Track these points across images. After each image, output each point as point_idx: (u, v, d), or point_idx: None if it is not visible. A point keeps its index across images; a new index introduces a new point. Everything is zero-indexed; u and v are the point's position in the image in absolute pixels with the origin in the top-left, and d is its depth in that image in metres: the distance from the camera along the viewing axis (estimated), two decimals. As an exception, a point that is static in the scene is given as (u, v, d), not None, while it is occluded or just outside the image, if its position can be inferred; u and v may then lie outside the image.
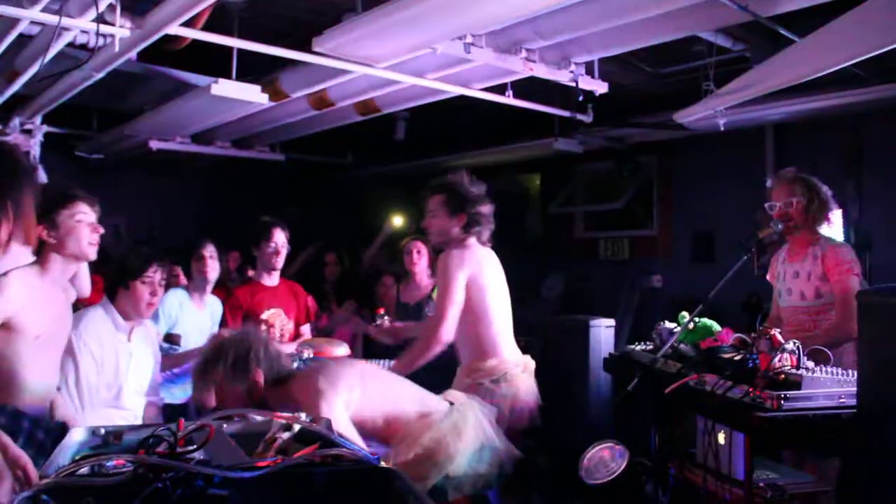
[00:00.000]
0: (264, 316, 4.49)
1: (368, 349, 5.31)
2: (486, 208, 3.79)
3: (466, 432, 3.00)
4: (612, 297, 6.87)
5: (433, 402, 3.10)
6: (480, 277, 3.69)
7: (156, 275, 3.49)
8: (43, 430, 2.70)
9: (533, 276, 7.67)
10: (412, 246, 5.16)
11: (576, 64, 4.47)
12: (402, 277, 5.35)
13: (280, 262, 4.57)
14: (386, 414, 2.94)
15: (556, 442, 4.34)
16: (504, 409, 3.57)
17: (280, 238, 4.51)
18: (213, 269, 4.42)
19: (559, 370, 4.52)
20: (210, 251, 4.40)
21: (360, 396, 2.86)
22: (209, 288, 4.46)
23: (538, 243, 8.60)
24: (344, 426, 2.64)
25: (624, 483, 3.47)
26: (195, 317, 4.36)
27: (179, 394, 4.22)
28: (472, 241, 3.77)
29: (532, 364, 3.82)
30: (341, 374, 2.90)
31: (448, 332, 3.59)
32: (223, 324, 4.45)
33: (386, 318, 4.51)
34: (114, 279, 3.50)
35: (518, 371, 3.71)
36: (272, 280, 4.58)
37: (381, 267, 6.12)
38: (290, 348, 4.30)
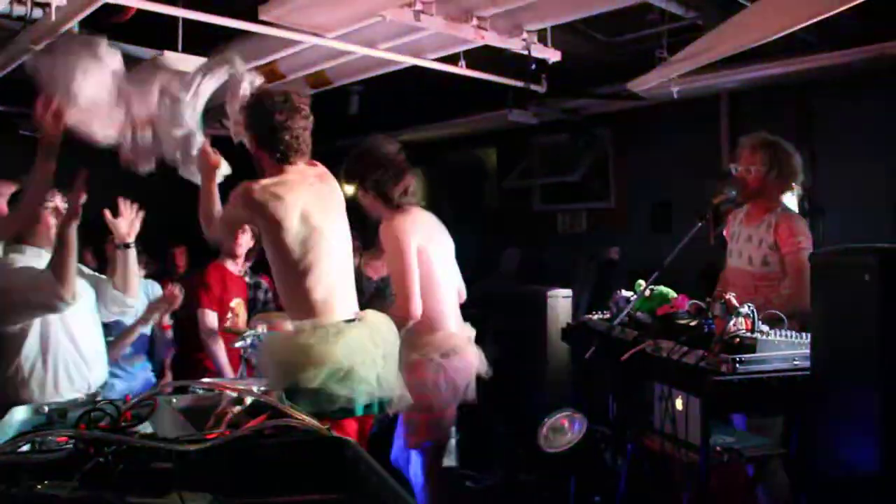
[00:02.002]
0: (232, 304, 4.57)
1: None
2: (397, 167, 3.63)
3: (385, 345, 3.03)
4: (571, 270, 6.88)
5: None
6: (428, 245, 3.55)
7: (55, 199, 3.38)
8: None
9: (490, 250, 7.65)
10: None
11: (528, 32, 4.42)
12: (365, 251, 5.24)
13: (243, 250, 4.57)
14: None
15: (515, 411, 4.36)
16: (458, 383, 3.51)
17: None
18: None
19: (517, 341, 4.53)
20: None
21: None
22: None
23: (495, 217, 8.59)
24: None
25: (583, 451, 3.49)
26: None
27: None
28: (405, 205, 3.61)
29: (473, 333, 3.72)
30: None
31: (418, 305, 3.42)
32: (195, 300, 4.42)
33: None
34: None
35: (465, 343, 3.62)
36: (236, 268, 4.59)
37: None
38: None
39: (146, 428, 1.70)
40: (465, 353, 3.57)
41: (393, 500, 1.45)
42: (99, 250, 4.50)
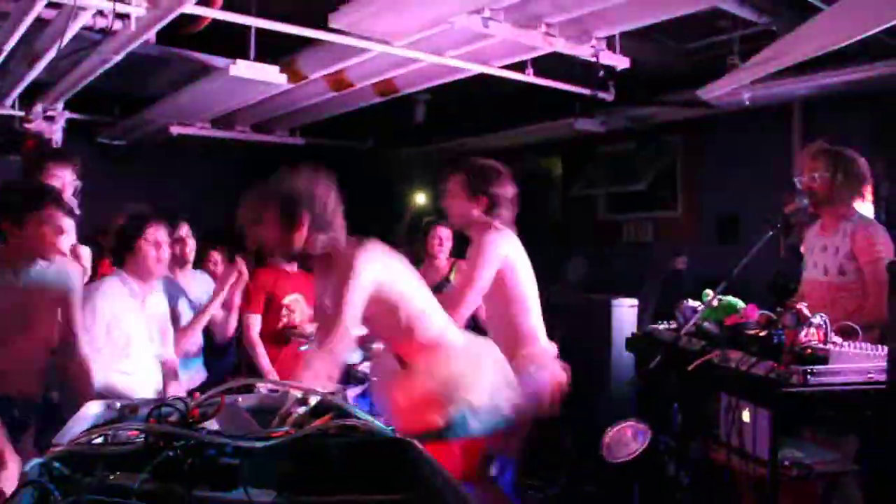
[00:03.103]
0: (286, 301, 4.57)
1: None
2: (508, 190, 3.67)
3: (486, 365, 2.99)
4: (636, 280, 6.80)
5: (456, 331, 3.09)
6: (518, 262, 3.60)
7: (157, 231, 3.53)
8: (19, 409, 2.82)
9: (555, 260, 7.61)
10: (437, 230, 5.12)
11: (597, 38, 4.39)
12: (420, 259, 5.29)
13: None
14: (409, 317, 2.92)
15: (579, 421, 4.32)
16: (543, 398, 3.50)
17: None
18: (191, 249, 4.42)
19: (582, 350, 4.49)
20: (185, 231, 4.38)
21: (390, 278, 2.88)
22: (188, 266, 4.48)
23: (560, 226, 8.53)
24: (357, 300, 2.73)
25: (646, 462, 3.44)
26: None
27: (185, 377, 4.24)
28: (497, 224, 3.64)
29: (556, 349, 3.73)
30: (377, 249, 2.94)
31: (463, 316, 3.50)
32: (246, 300, 4.49)
33: None
34: (117, 246, 3.54)
35: (551, 359, 3.65)
36: (291, 267, 4.61)
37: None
38: (311, 328, 4.33)
39: (213, 425, 1.73)
40: (553, 368, 3.59)
41: (455, 501, 1.45)
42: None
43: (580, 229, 8.43)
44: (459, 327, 3.47)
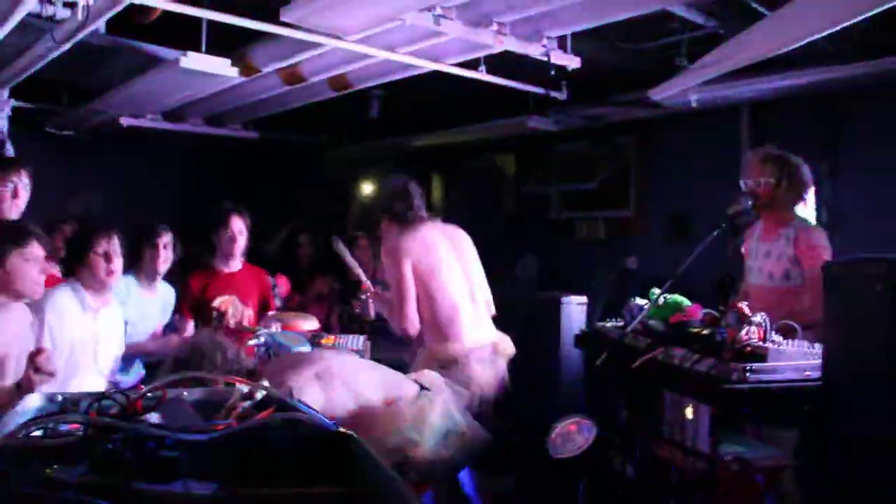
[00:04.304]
0: (215, 304, 4.42)
1: (345, 328, 5.29)
2: (403, 194, 3.82)
3: (432, 418, 2.91)
4: (588, 279, 6.87)
5: (401, 387, 3.00)
6: (425, 259, 3.67)
7: (109, 244, 3.47)
8: None
9: (508, 257, 7.65)
10: None
11: (548, 38, 4.43)
12: (377, 254, 5.28)
13: (238, 249, 4.53)
14: (350, 411, 2.82)
15: (527, 418, 4.35)
16: (469, 396, 3.49)
17: (237, 225, 4.48)
18: (165, 261, 4.34)
19: (532, 347, 4.53)
20: (165, 240, 4.31)
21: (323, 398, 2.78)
22: (159, 276, 4.39)
23: (513, 224, 8.58)
24: None
25: (592, 458, 3.48)
26: (143, 303, 4.29)
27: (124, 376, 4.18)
28: (416, 223, 3.77)
29: (505, 344, 3.81)
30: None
31: (413, 323, 3.64)
32: (177, 310, 4.43)
33: (369, 294, 4.51)
34: (68, 256, 3.48)
35: (482, 355, 3.70)
36: (230, 267, 4.55)
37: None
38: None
39: (155, 418, 1.72)
40: (471, 367, 3.63)
41: (396, 497, 1.46)
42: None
43: (533, 227, 8.48)
44: (416, 332, 3.56)
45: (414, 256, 3.65)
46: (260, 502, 1.47)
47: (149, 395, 1.74)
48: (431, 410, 2.92)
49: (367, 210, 3.91)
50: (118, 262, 3.52)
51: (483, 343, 3.73)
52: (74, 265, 3.48)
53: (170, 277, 4.52)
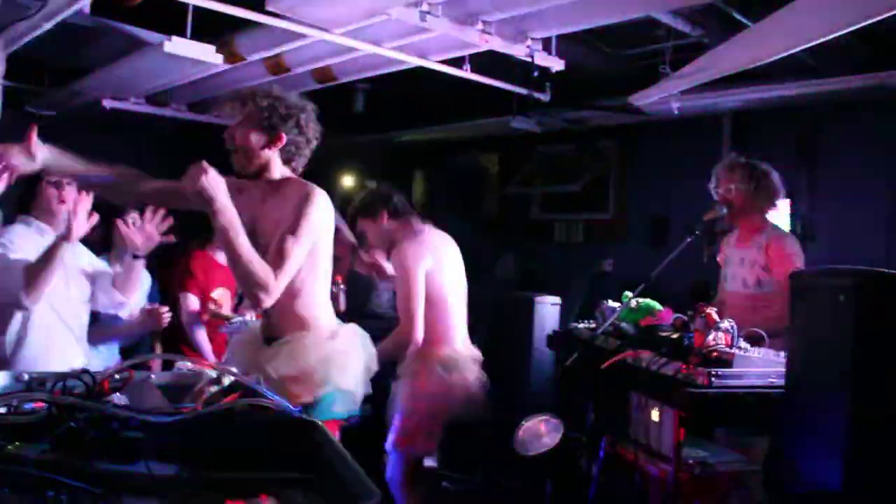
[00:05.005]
0: (214, 295, 4.52)
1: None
2: (399, 196, 3.87)
3: (357, 350, 2.98)
4: (566, 280, 6.91)
5: (332, 314, 3.06)
6: (439, 268, 3.72)
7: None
8: None
9: (487, 256, 7.69)
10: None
11: (533, 39, 4.46)
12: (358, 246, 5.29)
13: None
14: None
15: (499, 415, 4.38)
16: (456, 397, 3.67)
17: None
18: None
19: (505, 346, 4.56)
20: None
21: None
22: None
23: (494, 223, 8.61)
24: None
25: (560, 457, 3.51)
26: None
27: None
28: (418, 226, 3.80)
29: (479, 355, 3.89)
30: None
31: (421, 331, 3.62)
32: (169, 288, 4.42)
33: (342, 287, 4.55)
34: (22, 194, 3.42)
35: (469, 362, 3.78)
36: (223, 258, 4.55)
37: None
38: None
39: (121, 400, 1.73)
40: (465, 371, 3.72)
41: (356, 484, 1.47)
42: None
43: (513, 227, 8.52)
44: (420, 341, 3.59)
45: (427, 261, 3.68)
46: (222, 486, 1.48)
47: (116, 376, 1.75)
48: (356, 344, 3.00)
49: (370, 196, 3.88)
50: (70, 192, 3.41)
51: (470, 351, 3.84)
52: (27, 201, 3.42)
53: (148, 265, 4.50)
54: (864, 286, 2.17)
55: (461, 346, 3.79)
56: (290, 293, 2.77)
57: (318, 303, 2.93)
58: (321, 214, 2.77)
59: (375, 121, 7.84)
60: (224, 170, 2.77)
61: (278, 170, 2.88)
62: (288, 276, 2.67)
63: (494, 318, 4.86)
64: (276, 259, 2.64)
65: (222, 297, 4.54)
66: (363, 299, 5.11)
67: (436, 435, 3.74)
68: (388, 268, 4.56)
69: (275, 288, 2.63)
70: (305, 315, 2.87)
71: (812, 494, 2.31)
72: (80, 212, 3.17)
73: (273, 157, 2.86)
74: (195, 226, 4.73)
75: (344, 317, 4.79)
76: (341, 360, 2.85)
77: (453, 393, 3.67)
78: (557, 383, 4.40)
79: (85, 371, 1.68)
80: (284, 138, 2.84)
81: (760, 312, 3.58)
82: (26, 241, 3.31)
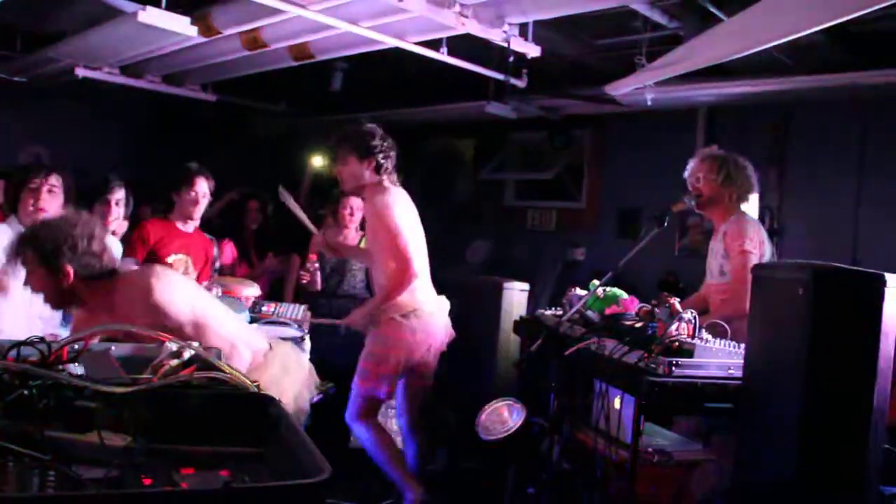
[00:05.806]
0: (169, 260, 4.38)
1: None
2: (390, 147, 4.00)
3: (294, 370, 3.07)
4: (536, 267, 6.94)
5: (256, 339, 3.05)
6: (403, 218, 3.82)
7: (43, 180, 3.49)
8: None
9: (459, 241, 7.70)
10: (349, 200, 5.11)
11: (510, 24, 4.46)
12: (329, 225, 5.27)
13: (198, 211, 4.50)
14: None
15: (463, 399, 4.40)
16: (412, 343, 3.80)
17: (202, 187, 4.46)
18: (116, 218, 4.21)
19: (472, 330, 4.56)
20: (118, 196, 4.19)
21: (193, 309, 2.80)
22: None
23: (467, 208, 8.62)
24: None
25: (522, 442, 3.53)
26: None
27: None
28: (387, 182, 3.92)
29: (446, 303, 4.02)
30: (176, 279, 2.89)
31: (418, 265, 3.77)
32: (124, 253, 4.36)
33: (317, 264, 4.57)
34: (11, 195, 3.51)
35: (429, 308, 3.88)
36: (187, 227, 4.52)
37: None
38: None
39: (78, 370, 1.72)
40: (423, 317, 3.84)
41: (309, 459, 1.48)
42: None
43: (486, 213, 8.54)
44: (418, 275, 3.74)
45: (398, 212, 3.81)
46: (175, 458, 1.48)
47: (75, 345, 1.74)
48: (291, 362, 3.10)
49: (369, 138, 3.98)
50: (49, 201, 3.49)
51: (431, 300, 3.94)
52: (14, 205, 3.52)
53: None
54: (822, 280, 2.20)
55: (422, 295, 3.88)
56: None
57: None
58: None
59: (352, 101, 7.79)
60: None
61: None
62: None
63: (462, 302, 4.87)
64: None
65: (179, 262, 4.42)
66: (338, 279, 5.11)
67: (393, 381, 3.86)
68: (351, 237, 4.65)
69: None
70: None
71: (766, 484, 2.35)
72: None
73: None
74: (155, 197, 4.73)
75: (319, 297, 4.87)
76: (277, 384, 2.84)
77: (414, 339, 3.81)
78: (519, 368, 4.42)
79: (41, 339, 1.67)
80: None
81: (729, 304, 3.61)
82: (4, 238, 3.32)
